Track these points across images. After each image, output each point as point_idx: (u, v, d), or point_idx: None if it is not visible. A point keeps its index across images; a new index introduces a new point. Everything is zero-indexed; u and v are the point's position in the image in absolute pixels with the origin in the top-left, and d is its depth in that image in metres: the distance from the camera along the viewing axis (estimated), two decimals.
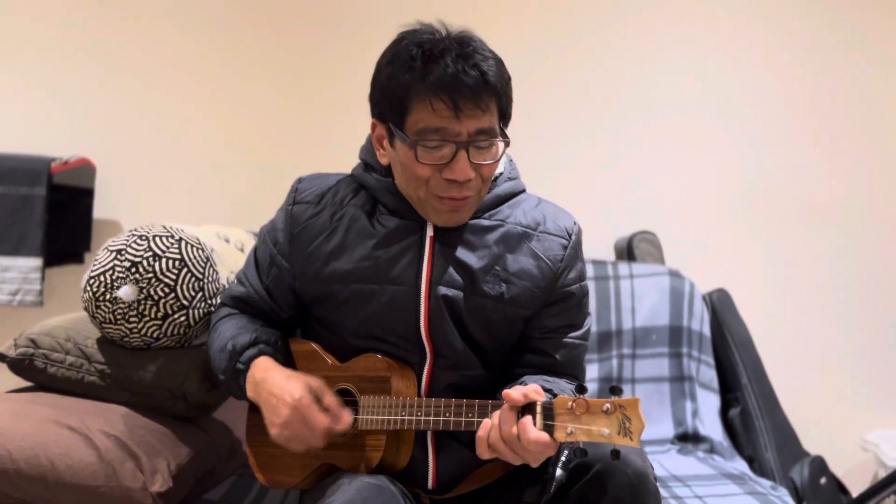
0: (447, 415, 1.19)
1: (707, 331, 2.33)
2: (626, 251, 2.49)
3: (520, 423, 1.08)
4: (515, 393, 1.10)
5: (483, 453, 1.13)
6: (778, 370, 2.45)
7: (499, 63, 1.23)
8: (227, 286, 1.69)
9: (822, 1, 2.64)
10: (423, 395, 1.31)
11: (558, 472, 1.19)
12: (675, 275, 2.34)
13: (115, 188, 2.49)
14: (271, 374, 1.28)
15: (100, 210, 2.47)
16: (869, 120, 2.66)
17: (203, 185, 2.53)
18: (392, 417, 1.23)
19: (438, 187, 1.23)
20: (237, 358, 1.34)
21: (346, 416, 1.23)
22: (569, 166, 2.58)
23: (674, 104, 2.62)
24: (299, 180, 1.41)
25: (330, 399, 1.24)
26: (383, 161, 1.31)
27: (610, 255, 2.57)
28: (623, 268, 2.34)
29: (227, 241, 1.87)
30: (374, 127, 1.31)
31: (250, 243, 2.05)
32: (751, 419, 2.32)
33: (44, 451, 1.36)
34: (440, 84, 1.17)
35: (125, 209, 2.51)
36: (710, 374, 2.30)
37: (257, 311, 1.44)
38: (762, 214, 2.65)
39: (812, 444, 2.40)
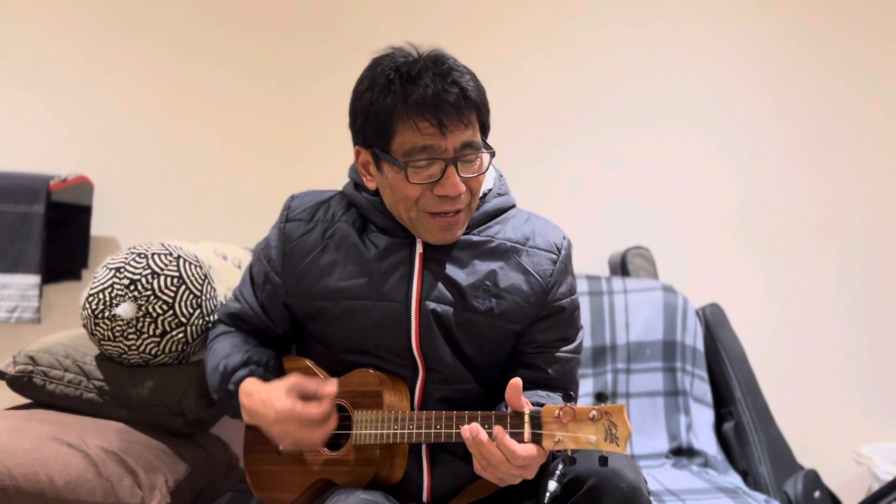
0: (439, 427, 1.20)
1: (701, 345, 2.35)
2: (620, 266, 2.51)
3: (506, 444, 1.09)
4: (522, 398, 1.12)
5: (479, 470, 1.15)
6: (771, 384, 2.47)
7: (473, 77, 1.27)
8: (224, 303, 1.71)
9: (812, 20, 2.68)
10: (417, 409, 1.32)
11: (553, 485, 1.20)
12: (668, 290, 2.36)
13: (112, 206, 2.50)
14: (254, 396, 1.30)
15: (97, 227, 2.48)
16: (861, 135, 2.69)
17: (200, 203, 2.55)
18: (385, 431, 1.25)
19: (430, 204, 1.25)
20: (228, 379, 1.36)
21: (329, 387, 1.23)
22: (562, 182, 2.60)
23: (667, 120, 2.65)
24: (291, 198, 1.44)
25: (310, 385, 1.24)
26: (370, 186, 1.32)
27: (604, 271, 2.58)
28: (617, 283, 2.36)
29: (225, 258, 1.89)
30: (357, 153, 1.33)
31: (247, 260, 2.06)
32: (745, 433, 2.33)
33: (43, 468, 1.37)
34: (423, 103, 1.20)
35: (123, 227, 2.52)
36: (703, 389, 2.31)
37: (253, 328, 1.46)
38: (755, 230, 2.67)
39: (806, 457, 2.41)
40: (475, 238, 1.34)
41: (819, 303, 2.68)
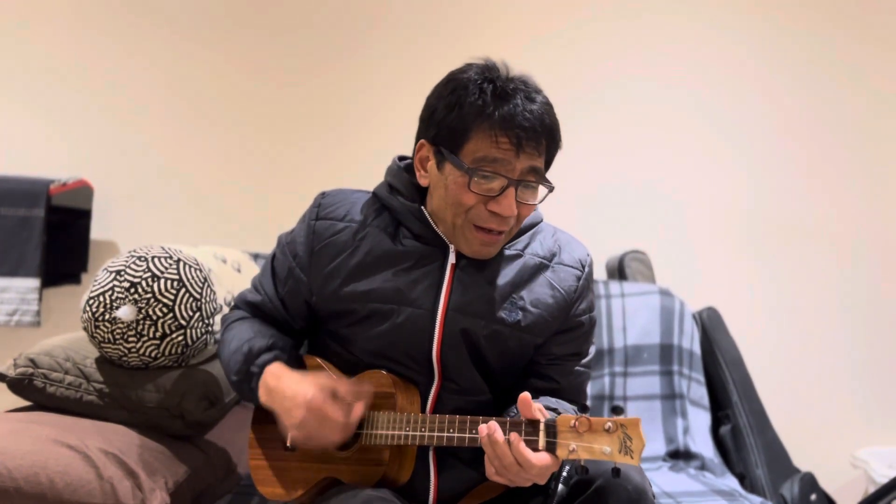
0: (451, 430, 1.21)
1: (697, 349, 2.36)
2: (618, 270, 2.52)
3: (520, 451, 1.10)
4: (533, 405, 1.13)
5: (491, 475, 1.16)
6: (768, 388, 2.48)
7: (552, 110, 1.31)
8: (224, 306, 1.72)
9: (812, 27, 2.70)
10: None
11: (559, 487, 1.21)
12: (665, 293, 2.37)
13: (112, 210, 2.51)
14: (284, 379, 1.29)
15: (97, 231, 2.49)
16: (859, 140, 2.71)
17: (200, 207, 2.56)
18: (396, 433, 1.26)
19: (479, 217, 1.27)
20: (253, 361, 1.34)
21: (358, 408, 1.24)
22: (560, 186, 2.61)
23: (665, 124, 2.67)
24: (323, 195, 1.42)
25: (344, 389, 1.24)
26: (423, 182, 1.33)
27: (601, 274, 2.59)
28: (614, 287, 2.37)
29: (224, 261, 1.90)
30: (420, 147, 1.32)
31: (247, 263, 2.07)
32: (741, 436, 2.34)
33: (43, 470, 1.37)
34: (510, 119, 1.23)
35: (122, 230, 2.53)
36: (700, 392, 2.32)
37: (270, 319, 1.45)
38: (752, 234, 2.68)
39: (802, 461, 2.42)
40: (506, 252, 1.36)
41: (815, 307, 2.69)
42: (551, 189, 1.31)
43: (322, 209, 1.39)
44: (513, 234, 1.33)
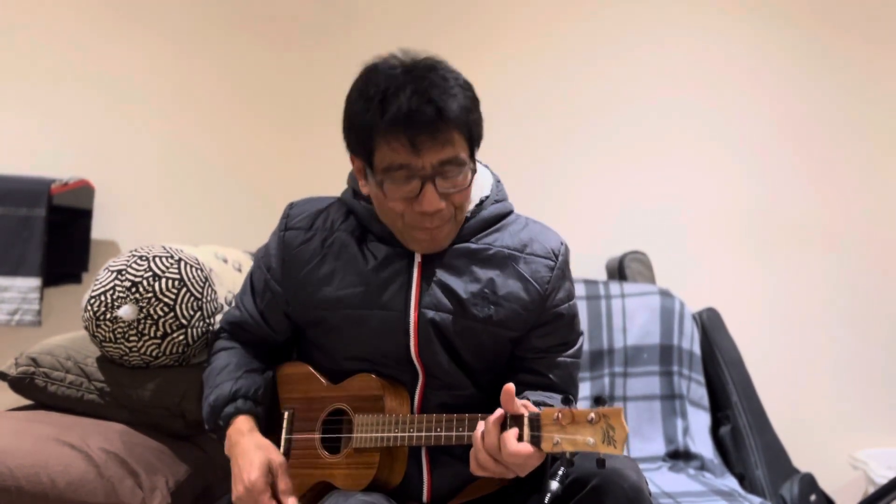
0: (439, 430, 1.22)
1: (697, 349, 2.36)
2: (618, 271, 2.52)
3: (502, 436, 1.11)
4: (516, 400, 1.13)
5: (475, 469, 1.16)
6: (768, 388, 2.48)
7: (463, 90, 1.23)
8: (225, 306, 1.72)
9: (810, 28, 2.70)
10: (416, 414, 1.33)
11: (554, 485, 1.21)
12: (665, 294, 2.37)
13: (113, 209, 2.51)
14: (242, 442, 1.33)
15: (98, 231, 2.49)
16: (858, 141, 2.71)
17: (201, 207, 2.56)
18: (385, 434, 1.26)
19: (413, 219, 1.26)
20: (218, 414, 1.38)
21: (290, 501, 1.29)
22: (560, 187, 2.62)
23: (665, 125, 2.67)
24: (290, 206, 1.44)
25: (284, 484, 1.29)
26: (364, 191, 1.33)
27: (601, 275, 2.60)
28: (614, 287, 2.38)
29: (225, 261, 1.90)
30: (352, 160, 1.34)
31: (247, 263, 2.07)
32: (741, 437, 2.34)
33: (44, 469, 1.38)
34: (396, 122, 1.19)
35: (123, 230, 2.53)
36: (700, 392, 2.32)
37: (253, 337, 1.47)
38: (752, 235, 2.68)
39: (802, 461, 2.42)
40: (473, 246, 1.34)
41: (815, 307, 2.69)
42: (474, 171, 1.27)
43: (290, 220, 1.41)
44: (460, 221, 1.31)
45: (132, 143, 2.55)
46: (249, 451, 1.30)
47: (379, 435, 1.27)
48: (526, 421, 1.11)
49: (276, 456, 1.31)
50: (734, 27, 2.69)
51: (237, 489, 1.29)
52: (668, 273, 2.57)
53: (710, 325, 2.44)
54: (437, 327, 1.31)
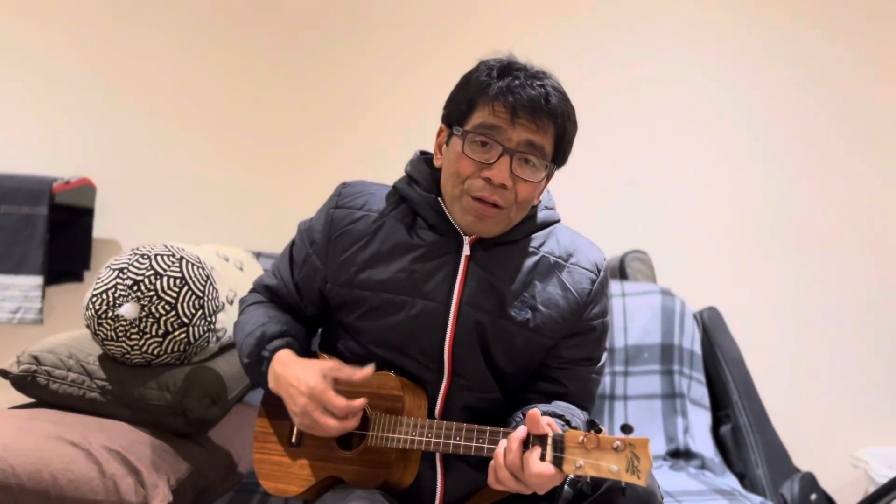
0: (458, 439, 1.21)
1: (698, 348, 2.36)
2: (619, 270, 2.52)
3: (524, 456, 1.10)
4: (542, 421, 1.12)
5: (493, 484, 1.15)
6: (768, 387, 2.48)
7: (565, 99, 1.31)
8: (226, 304, 1.73)
9: (812, 27, 2.70)
10: (438, 416, 1.33)
11: (565, 489, 1.21)
12: (666, 293, 2.38)
13: (115, 208, 2.52)
14: (290, 366, 1.31)
15: (100, 230, 2.50)
16: (859, 140, 2.71)
17: (202, 205, 2.56)
18: (403, 437, 1.26)
19: (474, 186, 1.27)
20: (264, 345, 1.36)
21: (360, 400, 1.26)
22: (560, 186, 2.61)
23: (667, 124, 2.67)
24: (343, 185, 1.44)
25: (343, 374, 1.27)
26: (437, 163, 1.35)
27: None
28: (615, 286, 2.38)
29: (227, 259, 1.90)
30: (439, 132, 1.36)
31: (249, 262, 2.08)
32: (742, 436, 2.34)
33: (46, 467, 1.38)
34: (507, 89, 1.25)
35: (125, 229, 2.54)
36: (701, 391, 2.32)
37: (283, 303, 1.47)
38: (753, 234, 2.69)
39: (803, 460, 2.43)
40: (521, 247, 1.36)
41: (816, 306, 2.69)
42: (550, 170, 1.32)
43: (342, 198, 1.41)
44: (514, 218, 1.33)
45: (134, 141, 2.55)
46: (299, 371, 1.29)
47: (398, 436, 1.26)
48: (549, 441, 1.10)
49: (329, 363, 1.30)
50: (736, 27, 2.69)
51: (299, 403, 1.26)
52: (668, 272, 2.58)
53: (711, 325, 2.45)
54: (476, 324, 1.31)
